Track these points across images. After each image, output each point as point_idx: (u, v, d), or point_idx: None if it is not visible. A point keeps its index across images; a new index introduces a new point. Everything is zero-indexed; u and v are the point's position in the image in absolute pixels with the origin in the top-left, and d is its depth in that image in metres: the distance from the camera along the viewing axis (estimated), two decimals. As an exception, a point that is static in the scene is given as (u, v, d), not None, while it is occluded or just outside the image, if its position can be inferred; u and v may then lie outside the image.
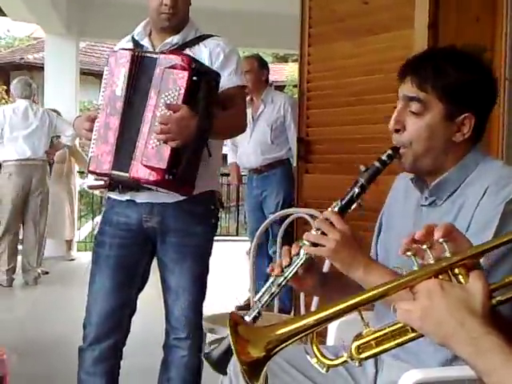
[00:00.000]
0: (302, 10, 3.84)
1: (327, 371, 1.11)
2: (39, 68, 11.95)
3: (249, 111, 4.70)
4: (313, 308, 2.76)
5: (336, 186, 3.53)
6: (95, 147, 2.44)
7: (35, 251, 6.33)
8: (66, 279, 6.63)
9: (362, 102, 3.47)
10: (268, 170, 5.17)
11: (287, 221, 3.17)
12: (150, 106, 2.35)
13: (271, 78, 6.08)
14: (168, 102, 2.31)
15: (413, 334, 1.07)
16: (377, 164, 1.63)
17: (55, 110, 6.72)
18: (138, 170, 2.35)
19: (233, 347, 1.06)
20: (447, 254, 1.05)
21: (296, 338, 1.08)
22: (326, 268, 2.18)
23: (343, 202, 1.61)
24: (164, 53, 2.44)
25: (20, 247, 6.45)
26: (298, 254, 1.59)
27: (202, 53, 2.56)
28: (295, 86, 7.26)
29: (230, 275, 6.57)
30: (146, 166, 2.33)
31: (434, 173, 1.66)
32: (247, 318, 1.56)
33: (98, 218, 7.00)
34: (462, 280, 1.03)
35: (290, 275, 1.59)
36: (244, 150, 5.26)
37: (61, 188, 7.33)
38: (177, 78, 2.31)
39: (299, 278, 1.62)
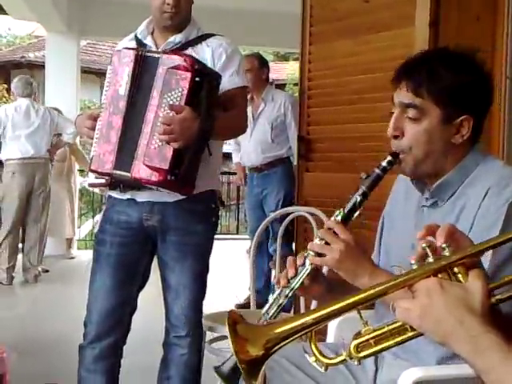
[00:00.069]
0: (303, 8, 3.84)
1: (326, 370, 1.11)
2: (40, 66, 11.96)
3: (249, 110, 4.70)
4: (312, 306, 2.76)
5: (337, 184, 3.55)
6: (97, 146, 2.44)
7: (36, 249, 6.34)
8: (66, 277, 6.63)
9: (362, 100, 3.47)
10: (268, 168, 5.17)
11: (287, 219, 3.17)
12: (153, 105, 2.35)
13: (272, 76, 6.09)
14: (171, 102, 2.31)
15: (412, 333, 1.07)
16: (377, 171, 1.62)
17: (56, 109, 6.72)
18: (140, 170, 2.35)
19: (231, 345, 1.05)
20: (446, 253, 1.05)
21: (295, 336, 1.08)
22: (324, 270, 2.18)
23: (346, 211, 1.61)
24: (166, 53, 2.44)
25: (20, 245, 6.46)
26: (303, 264, 1.59)
27: (205, 52, 2.56)
28: (296, 85, 7.27)
29: (230, 273, 6.57)
30: (148, 166, 2.33)
31: (435, 175, 1.66)
32: None
33: (99, 217, 7.00)
34: (462, 279, 1.03)
35: (297, 286, 1.60)
36: (245, 149, 5.27)
37: (61, 186, 7.33)
38: (180, 78, 2.31)
39: (305, 287, 1.63)
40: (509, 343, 0.96)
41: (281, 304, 1.60)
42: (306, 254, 1.60)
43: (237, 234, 10.47)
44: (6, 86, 13.21)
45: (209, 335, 2.86)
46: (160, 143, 2.32)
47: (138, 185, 2.44)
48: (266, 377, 1.77)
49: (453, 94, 1.59)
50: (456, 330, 0.98)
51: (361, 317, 1.10)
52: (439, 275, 1.04)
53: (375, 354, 1.10)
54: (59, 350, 4.08)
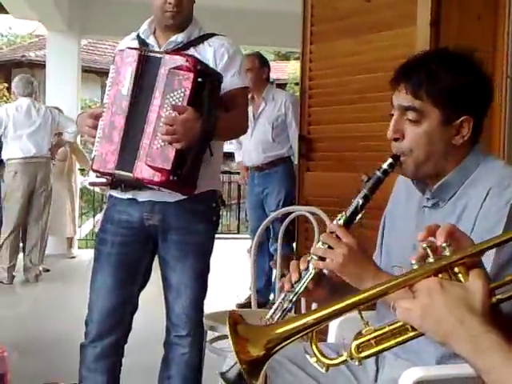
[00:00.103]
0: (304, 7, 3.84)
1: (327, 370, 1.11)
2: (41, 65, 11.98)
3: (250, 109, 4.68)
4: (313, 307, 2.76)
5: (337, 183, 3.55)
6: (99, 146, 2.44)
7: (38, 248, 6.35)
8: (66, 277, 6.64)
9: (363, 99, 3.47)
10: (269, 167, 5.17)
11: (288, 219, 3.17)
12: (155, 106, 2.35)
13: (273, 75, 6.09)
14: (173, 102, 2.32)
15: (412, 333, 1.06)
16: (378, 173, 1.62)
17: (57, 108, 6.72)
18: (142, 171, 2.35)
19: (232, 346, 1.05)
20: (447, 253, 1.05)
21: (296, 336, 1.08)
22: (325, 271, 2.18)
23: (348, 214, 1.61)
24: (168, 53, 2.44)
25: (21, 244, 6.46)
26: (306, 268, 1.59)
27: (207, 52, 2.56)
28: (297, 84, 7.26)
29: (231, 273, 6.57)
30: (150, 167, 2.33)
31: (436, 176, 1.66)
32: None
33: (99, 216, 7.00)
34: (462, 279, 1.03)
35: (301, 290, 1.59)
36: (246, 148, 5.27)
37: (62, 186, 7.33)
38: (182, 79, 2.31)
39: (309, 291, 1.62)
40: (509, 343, 0.96)
41: (285, 309, 1.59)
42: (309, 258, 1.60)
43: (237, 233, 10.48)
44: (6, 85, 13.21)
45: (210, 335, 2.86)
46: (162, 143, 2.32)
47: (139, 185, 2.44)
48: (267, 376, 1.77)
49: (452, 95, 1.59)
50: (456, 330, 0.98)
51: (362, 317, 1.10)
52: (440, 275, 1.04)
53: (376, 354, 1.10)
54: (60, 350, 4.08)
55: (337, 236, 1.59)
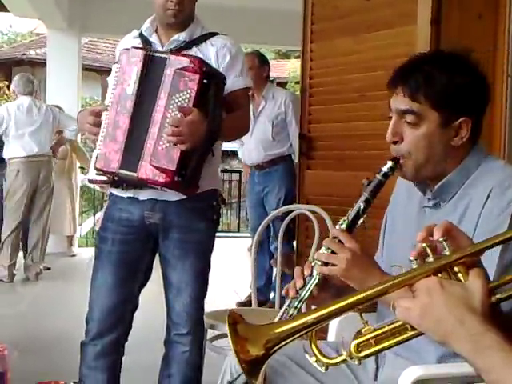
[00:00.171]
0: (304, 6, 3.84)
1: (326, 370, 1.11)
2: (41, 64, 11.96)
3: (250, 108, 4.70)
4: (313, 306, 2.77)
5: (338, 182, 3.55)
6: (103, 145, 2.43)
7: (39, 246, 6.35)
8: (67, 275, 6.64)
9: (364, 98, 3.46)
10: (270, 166, 5.17)
11: (289, 217, 3.18)
12: (160, 106, 2.35)
13: (274, 74, 6.08)
14: (179, 104, 2.32)
15: (412, 332, 1.07)
16: (379, 177, 1.62)
17: (58, 106, 6.72)
18: (147, 171, 2.35)
19: (231, 345, 1.06)
20: (446, 252, 1.05)
21: (295, 336, 1.08)
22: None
23: (350, 219, 1.61)
24: (173, 53, 2.44)
25: (20, 243, 6.47)
26: (311, 274, 1.59)
27: (209, 51, 2.55)
28: (297, 83, 7.26)
29: (232, 271, 6.58)
30: (154, 167, 2.33)
31: (436, 178, 1.66)
32: None
33: (100, 214, 7.00)
34: (462, 278, 1.03)
35: (306, 296, 1.59)
36: (246, 147, 5.26)
37: (62, 184, 7.33)
38: (188, 80, 2.31)
39: (314, 296, 1.62)
40: (509, 342, 0.96)
41: (291, 315, 1.59)
42: (313, 264, 1.60)
43: (238, 231, 10.48)
44: (7, 83, 13.20)
45: (210, 333, 2.87)
46: (167, 144, 2.32)
47: (141, 184, 2.44)
48: (266, 374, 1.77)
49: (450, 97, 1.59)
50: (456, 329, 0.98)
51: (361, 317, 1.10)
52: (439, 274, 1.04)
53: (376, 353, 1.10)
54: (60, 348, 4.09)
55: (340, 241, 1.59)
